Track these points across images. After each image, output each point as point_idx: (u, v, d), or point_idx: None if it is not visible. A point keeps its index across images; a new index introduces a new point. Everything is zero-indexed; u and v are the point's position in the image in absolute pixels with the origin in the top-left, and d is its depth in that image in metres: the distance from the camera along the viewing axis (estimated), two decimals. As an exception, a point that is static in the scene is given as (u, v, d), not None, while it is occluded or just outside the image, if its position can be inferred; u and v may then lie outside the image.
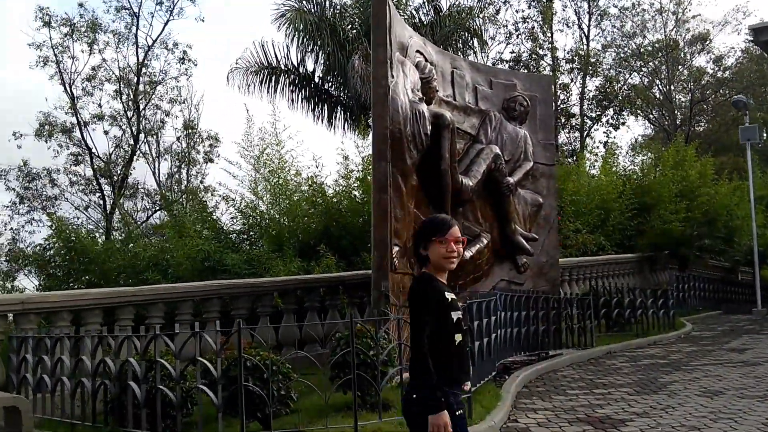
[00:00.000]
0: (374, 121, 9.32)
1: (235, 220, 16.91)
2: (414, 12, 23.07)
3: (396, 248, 9.43)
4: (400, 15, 21.13)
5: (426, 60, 11.02)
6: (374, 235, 9.10)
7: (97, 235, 17.05)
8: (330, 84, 22.44)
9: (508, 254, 12.17)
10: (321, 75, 22.31)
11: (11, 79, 39.39)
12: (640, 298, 14.30)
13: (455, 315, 3.43)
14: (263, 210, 16.50)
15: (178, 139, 30.62)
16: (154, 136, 30.03)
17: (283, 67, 22.05)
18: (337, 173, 19.02)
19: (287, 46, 21.88)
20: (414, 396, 3.32)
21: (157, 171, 30.35)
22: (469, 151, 11.79)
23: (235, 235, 16.64)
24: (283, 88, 21.97)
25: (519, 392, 8.75)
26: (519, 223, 12.29)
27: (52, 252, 14.40)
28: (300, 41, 21.04)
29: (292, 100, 22.15)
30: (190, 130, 30.04)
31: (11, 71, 39.95)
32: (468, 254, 11.23)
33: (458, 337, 3.43)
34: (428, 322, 3.31)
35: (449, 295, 3.45)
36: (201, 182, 29.83)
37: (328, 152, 36.52)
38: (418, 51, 10.87)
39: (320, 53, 21.42)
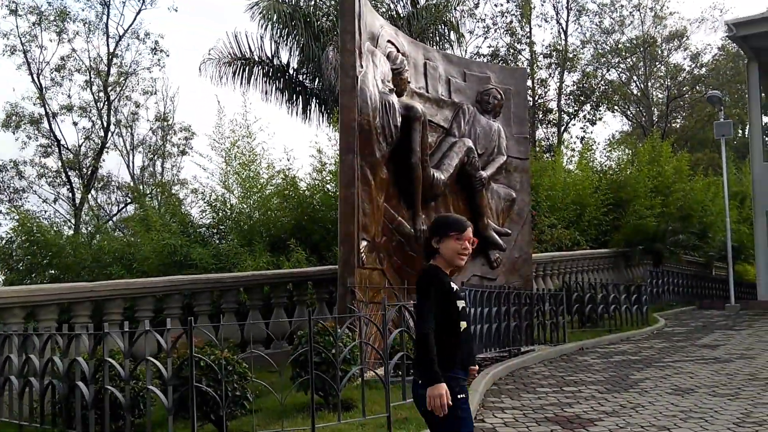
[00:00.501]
0: (342, 113, 9.07)
1: (204, 214, 16.57)
2: (390, 4, 22.78)
3: (364, 243, 9.20)
4: (377, 7, 20.88)
5: (398, 51, 10.79)
6: (341, 229, 8.85)
7: (65, 228, 16.57)
8: (305, 76, 22.11)
9: (480, 249, 11.96)
10: (296, 67, 21.96)
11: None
12: (613, 293, 14.20)
13: (460, 303, 3.60)
14: (233, 203, 16.22)
15: (152, 131, 30.22)
16: (128, 129, 29.60)
17: (256, 58, 21.66)
18: (310, 166, 18.76)
19: (261, 37, 21.52)
20: (420, 381, 3.48)
21: (131, 164, 29.93)
22: (442, 145, 11.58)
23: (204, 229, 16.31)
24: (256, 80, 21.59)
25: (488, 390, 8.55)
26: (492, 218, 12.12)
27: (14, 245, 13.97)
28: (274, 32, 20.68)
29: (266, 92, 21.79)
30: (164, 123, 29.57)
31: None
32: (439, 249, 11.03)
33: (463, 324, 3.58)
34: (432, 311, 3.49)
35: (454, 285, 3.62)
36: (176, 175, 29.45)
37: (302, 145, 36.17)
38: (389, 41, 10.63)
39: (294, 45, 21.08)
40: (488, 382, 8.86)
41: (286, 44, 21.40)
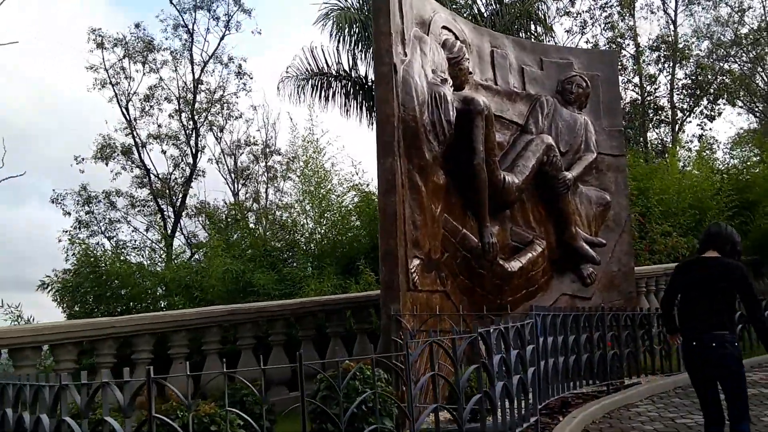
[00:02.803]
0: (377, 107, 7.71)
1: (276, 237, 15.61)
2: (473, 5, 21.23)
3: (416, 261, 7.76)
4: (458, 11, 19.43)
5: (456, 38, 9.34)
6: (381, 246, 7.45)
7: (131, 257, 16.07)
8: (385, 88, 20.89)
9: (569, 264, 10.26)
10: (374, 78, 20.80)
11: (72, 102, 39.93)
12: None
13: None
14: (304, 224, 15.25)
15: (255, 158, 30.20)
16: (232, 156, 29.70)
17: (334, 72, 20.71)
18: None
19: (337, 49, 20.53)
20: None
21: (237, 190, 30.01)
22: (516, 144, 10.00)
23: (277, 252, 15.34)
24: (334, 95, 20.62)
25: (573, 440, 6.86)
26: (581, 226, 10.35)
27: (80, 278, 13.50)
28: (349, 43, 19.67)
29: (346, 106, 20.76)
30: (259, 147, 29.37)
31: (71, 94, 40.53)
32: (517, 265, 9.46)
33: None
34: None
35: None
36: (280, 200, 29.08)
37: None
38: (444, 27, 9.22)
39: (370, 55, 19.96)
40: (575, 428, 7.14)
41: (363, 56, 20.33)
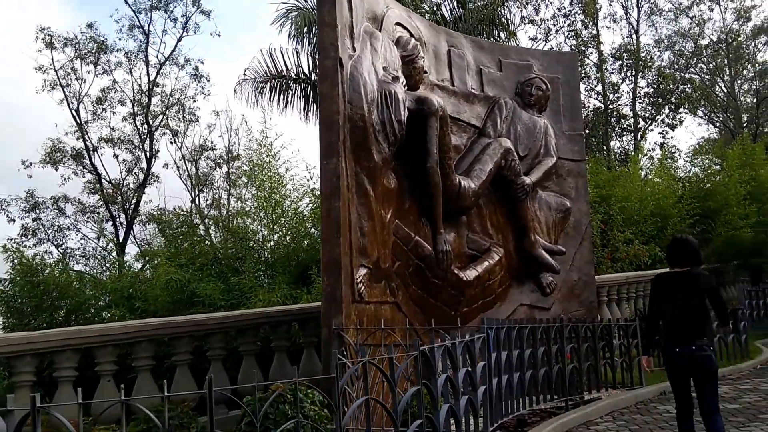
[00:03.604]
0: (321, 105, 7.16)
1: (228, 245, 14.93)
2: (435, 8, 20.84)
3: (363, 271, 7.23)
4: (419, 10, 19.02)
5: (411, 35, 8.87)
6: (323, 254, 6.92)
7: (79, 266, 15.31)
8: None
9: (528, 272, 9.83)
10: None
11: (21, 105, 38.54)
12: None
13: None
14: (257, 231, 14.61)
15: (217, 165, 29.41)
16: (193, 163, 28.89)
17: (293, 75, 20.09)
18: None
19: (296, 51, 19.95)
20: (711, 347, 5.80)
21: (197, 197, 29.19)
22: (473, 147, 9.55)
23: (228, 261, 14.69)
24: (293, 98, 20.00)
25: (528, 463, 6.38)
26: (541, 233, 9.94)
27: (14, 288, 12.69)
28: (306, 45, 19.10)
29: (305, 110, 20.14)
30: (211, 152, 28.58)
31: (20, 96, 39.16)
32: (473, 274, 8.98)
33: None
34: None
35: None
36: (242, 207, 28.31)
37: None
38: (398, 24, 8.74)
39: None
40: (530, 449, 6.68)
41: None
